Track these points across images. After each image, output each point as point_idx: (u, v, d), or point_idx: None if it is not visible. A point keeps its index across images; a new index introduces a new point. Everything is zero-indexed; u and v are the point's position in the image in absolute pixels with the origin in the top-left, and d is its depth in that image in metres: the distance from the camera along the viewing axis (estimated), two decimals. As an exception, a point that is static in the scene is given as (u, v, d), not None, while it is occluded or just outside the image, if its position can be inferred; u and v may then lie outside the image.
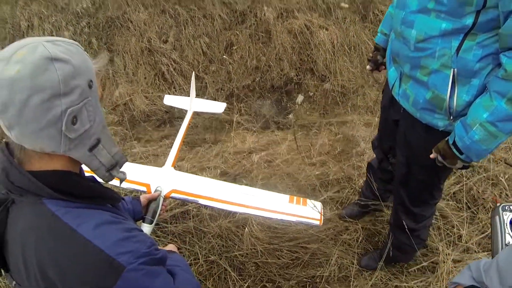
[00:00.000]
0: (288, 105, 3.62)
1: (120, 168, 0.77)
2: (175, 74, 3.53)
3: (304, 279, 1.72)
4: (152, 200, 1.33)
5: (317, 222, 1.48)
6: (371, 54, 1.62)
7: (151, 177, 1.49)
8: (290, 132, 3.11)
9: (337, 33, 3.90)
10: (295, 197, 1.53)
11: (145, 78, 3.58)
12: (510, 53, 0.96)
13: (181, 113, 3.40)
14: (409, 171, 1.43)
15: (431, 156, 1.22)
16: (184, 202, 1.95)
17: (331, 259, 1.76)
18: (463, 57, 1.05)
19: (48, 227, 0.64)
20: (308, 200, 1.54)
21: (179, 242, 1.88)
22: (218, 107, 2.22)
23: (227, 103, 3.47)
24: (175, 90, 3.53)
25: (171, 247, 1.12)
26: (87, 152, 0.69)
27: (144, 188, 1.46)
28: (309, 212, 1.49)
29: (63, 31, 4.09)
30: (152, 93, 3.53)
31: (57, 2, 4.25)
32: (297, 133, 3.12)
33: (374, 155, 1.88)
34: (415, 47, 1.13)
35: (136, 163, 1.85)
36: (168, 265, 0.82)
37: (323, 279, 1.70)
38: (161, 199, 1.35)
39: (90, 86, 0.67)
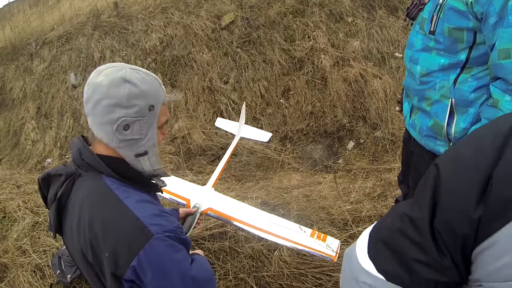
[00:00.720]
0: (339, 150, 3.69)
1: (159, 173, 0.95)
2: (233, 113, 3.73)
3: None
4: (189, 214, 1.45)
5: (331, 258, 1.56)
6: (399, 96, 1.71)
7: (192, 194, 1.63)
8: (333, 173, 3.19)
9: (390, 82, 3.98)
10: (316, 232, 1.63)
11: (204, 115, 3.81)
12: (497, 83, 1.07)
13: (236, 151, 3.57)
14: None
15: None
16: (223, 223, 2.05)
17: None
18: (459, 88, 1.18)
19: (102, 194, 0.84)
20: (328, 237, 1.63)
21: (213, 259, 1.98)
22: (264, 136, 2.33)
23: (280, 145, 3.61)
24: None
25: (199, 252, 1.21)
26: (133, 156, 0.89)
27: (184, 202, 1.60)
28: (326, 247, 1.58)
29: (131, 64, 4.47)
30: (209, 129, 3.73)
31: (128, 38, 4.67)
32: (344, 177, 3.18)
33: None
34: (420, 81, 1.28)
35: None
36: (191, 254, 0.98)
37: None
38: (198, 215, 1.46)
39: (149, 109, 0.87)
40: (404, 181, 1.81)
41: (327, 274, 1.88)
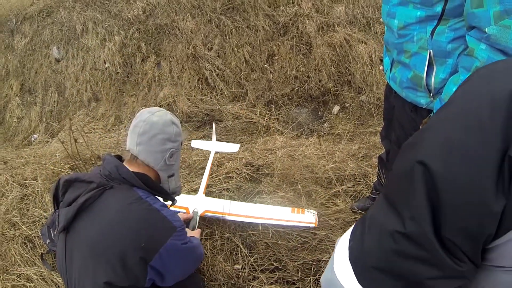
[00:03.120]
0: (324, 114, 3.72)
1: (175, 195, 1.33)
2: (218, 79, 3.72)
3: (310, 262, 1.79)
4: (188, 220, 1.79)
5: (313, 225, 1.89)
6: (381, 55, 1.72)
7: (189, 202, 1.95)
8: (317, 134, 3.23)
9: (375, 47, 3.99)
10: (295, 209, 1.98)
11: (189, 82, 3.79)
12: (471, 32, 1.09)
13: (221, 115, 3.58)
14: (399, 149, 1.51)
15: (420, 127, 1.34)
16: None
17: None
18: (437, 39, 1.21)
19: (136, 201, 1.06)
20: (305, 210, 1.97)
21: (199, 220, 2.04)
22: (233, 147, 2.61)
23: (265, 109, 3.62)
24: (217, 94, 3.72)
25: (196, 233, 1.61)
26: (167, 177, 1.23)
27: (184, 210, 1.91)
28: (306, 218, 1.92)
29: (114, 35, 4.40)
30: (194, 96, 3.72)
31: (111, 9, 4.59)
32: (329, 140, 3.22)
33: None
34: (398, 34, 1.31)
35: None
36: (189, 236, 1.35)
37: (327, 264, 1.76)
38: (198, 217, 1.82)
39: (181, 144, 1.25)
40: (387, 137, 1.84)
41: (312, 232, 1.94)
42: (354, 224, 0.56)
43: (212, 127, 2.87)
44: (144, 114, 1.18)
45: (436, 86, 1.27)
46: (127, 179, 1.09)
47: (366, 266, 0.48)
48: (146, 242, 1.01)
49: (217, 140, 2.71)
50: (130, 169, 1.12)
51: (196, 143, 2.71)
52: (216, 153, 2.56)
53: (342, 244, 0.54)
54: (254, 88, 3.67)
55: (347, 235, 0.55)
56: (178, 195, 1.35)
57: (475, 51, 1.08)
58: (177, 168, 1.27)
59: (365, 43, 3.95)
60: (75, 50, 4.63)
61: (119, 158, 1.22)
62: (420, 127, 1.33)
